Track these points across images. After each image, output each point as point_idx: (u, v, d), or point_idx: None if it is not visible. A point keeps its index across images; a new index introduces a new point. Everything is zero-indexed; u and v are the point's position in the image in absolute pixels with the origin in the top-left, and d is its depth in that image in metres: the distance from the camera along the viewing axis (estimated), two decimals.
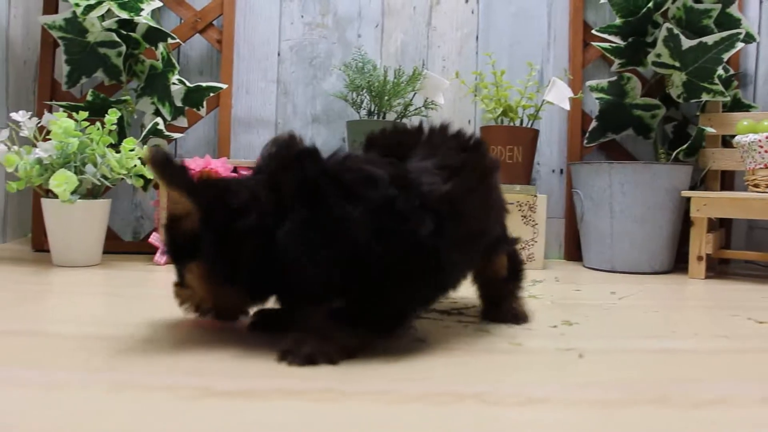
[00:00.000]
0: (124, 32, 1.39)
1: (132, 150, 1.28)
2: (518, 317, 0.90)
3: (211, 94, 1.46)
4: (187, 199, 0.66)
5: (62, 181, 1.19)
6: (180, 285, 0.74)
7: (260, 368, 0.63)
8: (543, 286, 1.25)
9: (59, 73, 1.50)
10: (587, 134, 1.60)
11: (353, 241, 0.64)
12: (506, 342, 0.79)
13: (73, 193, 1.23)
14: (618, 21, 1.49)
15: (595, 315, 0.98)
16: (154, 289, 1.09)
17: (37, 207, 1.47)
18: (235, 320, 0.80)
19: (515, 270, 0.92)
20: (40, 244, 1.46)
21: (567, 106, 1.45)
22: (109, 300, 0.99)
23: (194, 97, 1.44)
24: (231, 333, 0.77)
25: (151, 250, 1.46)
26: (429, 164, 0.74)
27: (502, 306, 0.91)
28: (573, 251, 1.61)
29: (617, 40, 1.53)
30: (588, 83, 1.56)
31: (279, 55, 1.58)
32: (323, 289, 0.67)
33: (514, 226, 1.44)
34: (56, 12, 1.49)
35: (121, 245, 1.50)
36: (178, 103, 1.44)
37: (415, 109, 1.48)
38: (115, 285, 1.11)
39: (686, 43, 1.41)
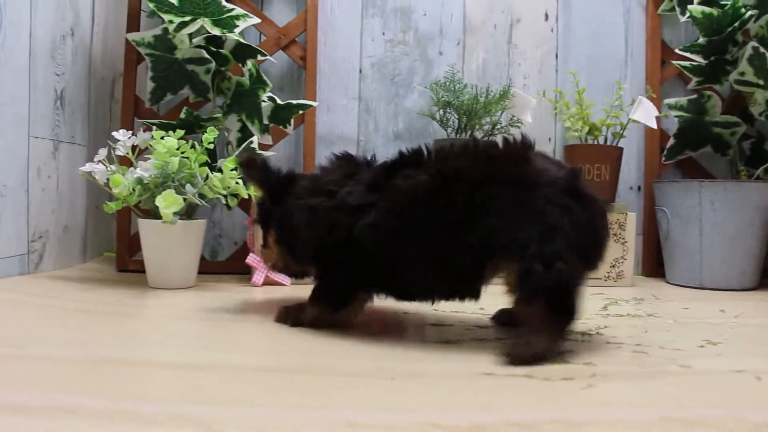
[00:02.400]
0: (213, 48, 1.37)
1: (234, 169, 1.25)
2: (521, 353, 0.76)
3: (300, 112, 1.44)
4: (259, 189, 1.00)
5: (171, 202, 1.16)
6: (264, 246, 1.01)
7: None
8: (647, 303, 1.25)
9: (140, 90, 1.47)
10: (665, 151, 1.61)
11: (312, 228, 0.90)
12: (673, 364, 0.79)
13: (174, 213, 1.20)
14: (701, 40, 1.51)
15: (730, 334, 0.98)
16: (265, 313, 1.04)
17: (122, 226, 1.44)
18: (299, 279, 1.06)
19: (532, 294, 0.78)
20: (124, 263, 1.43)
21: (654, 125, 1.45)
22: (232, 326, 0.96)
23: (282, 114, 1.42)
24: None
25: (241, 270, 1.43)
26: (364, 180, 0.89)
27: (518, 330, 0.83)
28: (652, 268, 1.62)
29: (698, 59, 1.54)
30: (666, 101, 1.57)
31: (360, 72, 1.57)
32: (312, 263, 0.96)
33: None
34: (138, 29, 1.47)
35: (208, 265, 1.47)
36: (265, 121, 1.42)
37: (501, 127, 1.48)
38: (225, 309, 1.07)
39: None
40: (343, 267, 0.89)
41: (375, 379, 0.68)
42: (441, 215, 0.80)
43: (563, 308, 0.78)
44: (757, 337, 0.98)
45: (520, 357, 0.76)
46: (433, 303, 0.90)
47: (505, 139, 0.86)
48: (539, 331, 0.77)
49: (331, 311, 0.91)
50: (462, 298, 0.86)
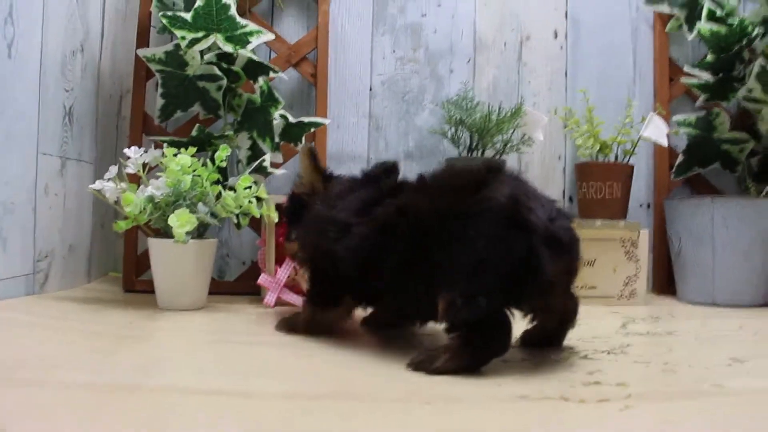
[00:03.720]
0: (224, 65, 1.36)
1: (248, 188, 1.23)
2: (423, 365, 0.77)
3: (312, 130, 1.43)
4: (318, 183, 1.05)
5: (185, 222, 1.14)
6: (288, 239, 1.08)
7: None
8: (665, 322, 1.24)
9: (149, 107, 1.46)
10: (674, 168, 1.61)
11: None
12: (705, 383, 0.77)
13: (187, 233, 1.18)
14: (710, 57, 1.52)
15: (754, 351, 0.97)
16: (281, 335, 1.01)
17: (130, 246, 1.42)
18: None
19: (451, 326, 0.77)
20: (131, 284, 1.40)
21: (665, 143, 1.46)
22: (251, 350, 0.94)
23: (293, 132, 1.41)
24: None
25: (250, 291, 1.41)
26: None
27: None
28: (664, 285, 1.61)
29: (706, 76, 1.55)
30: (675, 118, 1.58)
31: (371, 89, 1.56)
32: None
33: (618, 262, 1.43)
34: (148, 45, 1.45)
35: (216, 285, 1.44)
36: (276, 138, 1.41)
37: (512, 146, 1.47)
38: (241, 331, 1.05)
39: None
40: (332, 275, 0.93)
41: (411, 404, 0.66)
42: (399, 246, 0.82)
43: (481, 341, 0.76)
44: None
45: (418, 368, 0.77)
46: (414, 325, 0.96)
47: (467, 168, 0.89)
48: (450, 354, 0.76)
49: (321, 311, 0.97)
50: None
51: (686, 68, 1.55)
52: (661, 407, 0.68)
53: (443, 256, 0.77)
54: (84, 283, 1.40)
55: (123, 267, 1.42)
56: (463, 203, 0.78)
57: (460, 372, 0.75)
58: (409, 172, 1.53)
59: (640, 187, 1.64)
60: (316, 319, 0.98)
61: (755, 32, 1.47)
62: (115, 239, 1.53)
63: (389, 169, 0.97)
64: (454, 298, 0.75)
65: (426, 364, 0.76)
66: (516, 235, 0.74)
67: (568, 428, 0.60)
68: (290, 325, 1.01)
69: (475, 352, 0.76)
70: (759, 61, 1.45)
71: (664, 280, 1.61)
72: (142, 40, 1.44)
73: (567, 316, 0.92)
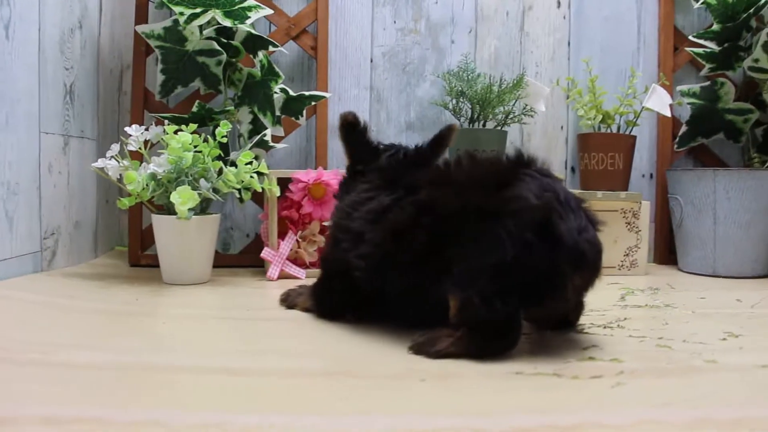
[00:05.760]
0: (224, 40, 1.36)
1: (249, 163, 1.24)
2: (424, 348, 0.77)
3: (313, 103, 1.43)
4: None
5: (187, 198, 1.16)
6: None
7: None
8: (664, 293, 1.25)
9: (149, 83, 1.45)
10: (677, 139, 1.60)
11: None
12: (699, 359, 0.79)
13: (190, 209, 1.19)
14: (716, 26, 1.49)
15: (749, 325, 0.98)
16: (284, 310, 1.03)
17: (134, 222, 1.43)
18: None
19: (462, 322, 0.76)
20: (136, 259, 1.42)
21: (668, 113, 1.44)
22: (254, 326, 0.96)
23: (294, 105, 1.41)
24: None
25: (254, 263, 1.43)
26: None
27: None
28: (665, 255, 1.62)
29: (712, 45, 1.52)
30: (679, 88, 1.56)
31: (372, 61, 1.55)
32: None
33: (619, 232, 1.44)
34: (147, 21, 1.44)
35: (220, 258, 1.46)
36: (277, 112, 1.41)
37: (514, 117, 1.47)
38: (244, 306, 1.07)
39: None
40: (337, 288, 0.92)
41: (407, 381, 0.68)
42: (415, 248, 0.78)
43: (490, 336, 0.75)
44: None
45: (419, 350, 0.76)
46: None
47: (496, 159, 0.82)
48: (454, 339, 0.75)
49: (319, 316, 0.96)
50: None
51: (691, 37, 1.53)
52: (652, 384, 0.69)
53: (461, 253, 0.74)
54: (91, 259, 1.42)
55: (129, 242, 1.44)
56: (489, 201, 0.74)
57: (462, 357, 0.75)
58: (411, 143, 1.53)
59: (643, 158, 1.63)
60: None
61: (763, 0, 1.44)
62: (120, 214, 1.55)
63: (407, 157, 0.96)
64: (470, 296, 0.72)
65: (427, 346, 0.76)
66: (544, 246, 0.71)
67: (559, 405, 0.62)
68: (290, 303, 1.03)
69: (482, 344, 0.75)
70: (766, 30, 1.42)
71: (666, 251, 1.62)
72: (141, 15, 1.43)
73: (569, 318, 0.92)
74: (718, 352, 0.82)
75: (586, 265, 0.75)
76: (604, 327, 0.95)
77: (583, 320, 0.96)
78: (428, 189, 0.81)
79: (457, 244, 0.74)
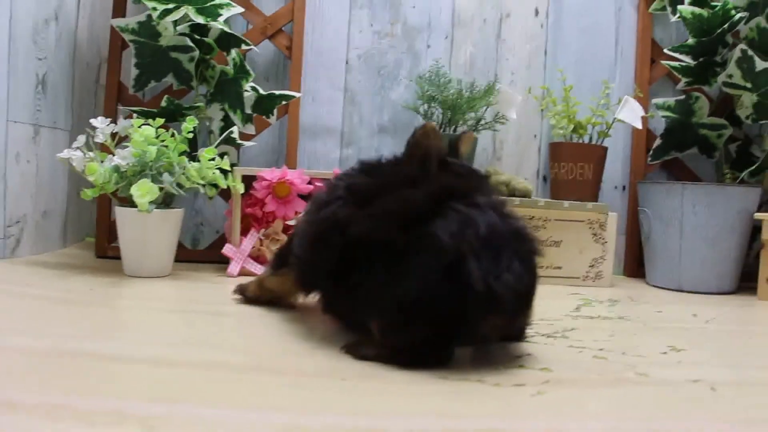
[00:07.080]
0: (197, 37, 1.37)
1: (212, 159, 1.25)
2: (353, 351, 0.78)
3: (284, 102, 1.44)
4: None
5: (145, 191, 1.17)
6: None
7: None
8: (622, 306, 1.25)
9: (124, 77, 1.47)
10: (651, 152, 1.60)
11: None
12: (631, 371, 0.79)
13: (151, 202, 1.20)
14: (691, 40, 1.49)
15: (696, 340, 0.99)
16: (236, 305, 1.05)
17: (102, 213, 1.44)
18: None
19: (384, 344, 0.76)
20: (103, 251, 1.43)
21: (639, 125, 1.45)
22: (200, 319, 0.97)
23: (266, 104, 1.42)
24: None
25: (221, 260, 1.44)
26: None
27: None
28: (634, 268, 1.62)
29: (687, 59, 1.52)
30: (654, 101, 1.56)
31: (347, 63, 1.56)
32: None
33: (585, 243, 1.44)
34: (124, 15, 1.46)
35: (188, 253, 1.47)
36: (248, 110, 1.42)
37: (485, 123, 1.47)
38: (196, 300, 1.08)
39: (760, 65, 1.42)
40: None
41: (327, 380, 0.68)
42: (329, 264, 0.79)
43: (413, 358, 0.74)
44: (722, 345, 0.98)
45: (349, 351, 0.78)
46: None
47: (412, 196, 0.76)
48: (379, 350, 0.75)
49: (272, 273, 1.00)
50: None
51: (666, 50, 1.53)
52: (574, 393, 0.70)
53: (377, 282, 0.73)
54: (58, 248, 1.43)
55: (96, 233, 1.45)
56: (402, 237, 0.72)
57: (384, 363, 0.75)
58: (383, 146, 1.56)
59: (617, 169, 1.63)
60: (264, 285, 1.02)
61: (738, 16, 1.44)
62: (92, 205, 1.56)
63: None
64: (385, 324, 0.74)
65: (354, 349, 0.77)
66: (452, 288, 0.68)
67: (469, 411, 0.62)
68: (242, 289, 1.06)
69: (407, 361, 0.74)
70: (740, 47, 1.42)
71: (636, 264, 1.62)
72: (119, 9, 1.45)
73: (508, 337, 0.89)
74: (654, 365, 0.82)
75: (502, 309, 0.70)
76: (548, 336, 0.95)
77: (529, 329, 0.96)
78: (349, 208, 0.79)
79: (366, 269, 0.74)
